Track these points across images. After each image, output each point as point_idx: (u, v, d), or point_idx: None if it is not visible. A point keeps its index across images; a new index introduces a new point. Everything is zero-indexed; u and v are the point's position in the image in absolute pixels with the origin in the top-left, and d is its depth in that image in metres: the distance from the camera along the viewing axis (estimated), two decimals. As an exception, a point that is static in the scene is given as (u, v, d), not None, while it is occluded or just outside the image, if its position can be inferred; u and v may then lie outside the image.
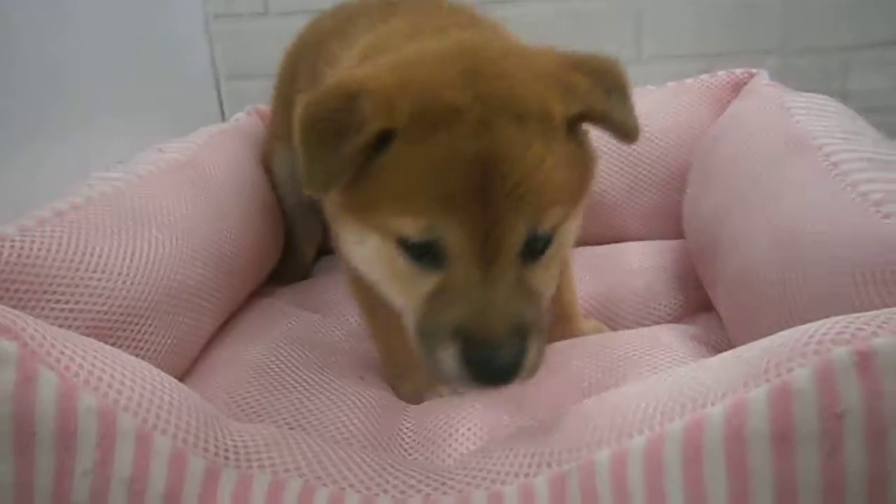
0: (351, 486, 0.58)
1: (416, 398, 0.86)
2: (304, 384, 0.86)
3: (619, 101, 0.62)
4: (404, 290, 0.62)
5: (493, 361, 0.55)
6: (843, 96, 1.35)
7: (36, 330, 0.58)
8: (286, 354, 0.92)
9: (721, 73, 1.19)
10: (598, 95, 0.61)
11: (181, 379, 0.87)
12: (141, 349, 0.79)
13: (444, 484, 0.58)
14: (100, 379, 0.58)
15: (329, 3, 1.31)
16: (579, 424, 0.57)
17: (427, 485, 0.57)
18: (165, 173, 0.96)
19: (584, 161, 0.64)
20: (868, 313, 0.49)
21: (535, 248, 0.60)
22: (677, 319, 0.97)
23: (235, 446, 0.61)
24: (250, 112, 1.33)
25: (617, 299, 1.01)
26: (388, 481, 0.58)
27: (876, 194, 0.64)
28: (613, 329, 0.96)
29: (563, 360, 0.85)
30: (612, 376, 0.76)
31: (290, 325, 1.01)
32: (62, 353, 0.58)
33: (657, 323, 0.97)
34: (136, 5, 1.29)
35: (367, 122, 0.57)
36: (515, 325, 0.56)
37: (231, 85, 1.50)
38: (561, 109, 0.60)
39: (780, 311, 0.68)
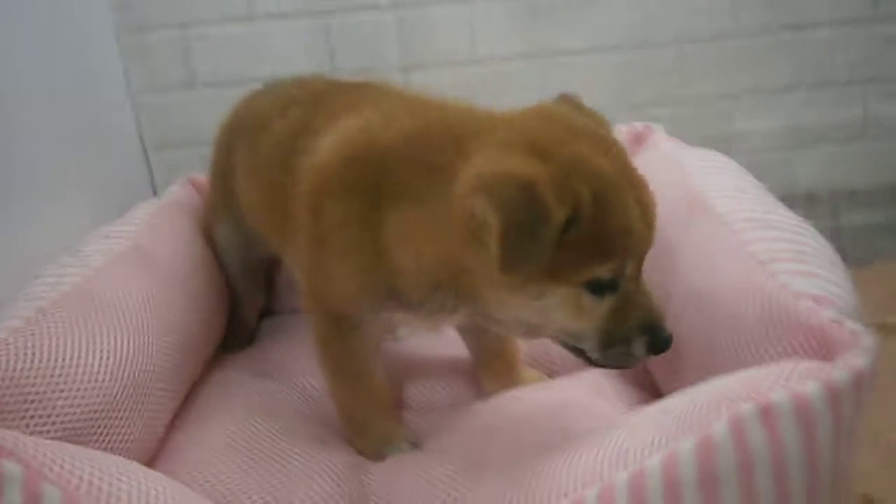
0: None
1: (377, 454, 0.93)
2: (271, 456, 0.90)
3: None
4: (586, 320, 0.75)
5: (668, 342, 0.75)
6: (728, 140, 1.52)
7: (36, 448, 0.61)
8: (249, 428, 0.95)
9: (622, 126, 1.32)
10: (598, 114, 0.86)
11: (151, 462, 0.90)
12: (114, 441, 0.82)
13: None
14: (99, 489, 0.62)
15: (256, 73, 1.38)
16: (538, 481, 0.66)
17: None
18: (116, 262, 0.99)
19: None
20: (764, 369, 0.60)
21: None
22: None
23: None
24: (184, 183, 1.35)
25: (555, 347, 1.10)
26: None
27: (762, 254, 0.76)
28: (552, 376, 1.05)
29: (511, 421, 0.93)
30: (557, 429, 0.84)
31: (247, 396, 1.05)
32: (62, 467, 0.61)
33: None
34: (59, 89, 1.29)
35: (557, 214, 0.68)
36: (665, 313, 0.77)
37: (159, 155, 1.52)
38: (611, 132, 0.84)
39: (695, 360, 0.79)
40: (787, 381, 0.57)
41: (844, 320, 0.62)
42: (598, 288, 0.73)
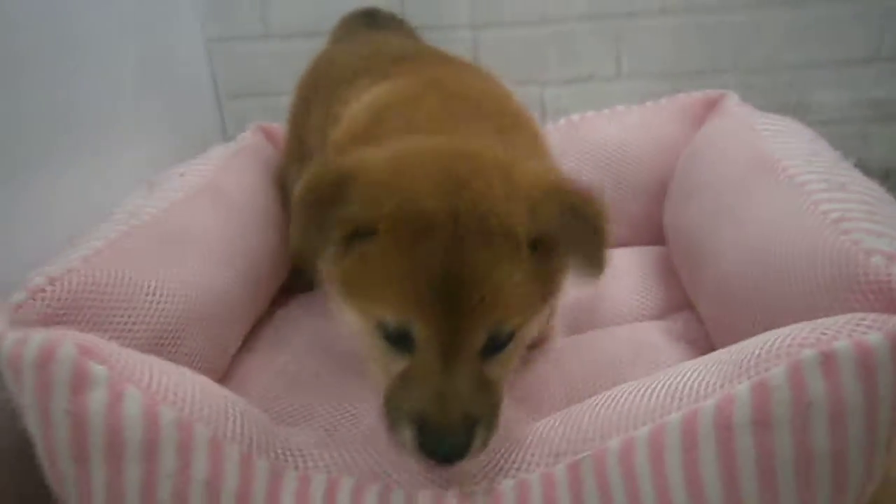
0: (397, 483, 0.66)
1: None
2: (330, 390, 0.94)
3: (586, 234, 0.66)
4: (382, 370, 0.68)
5: (442, 445, 0.62)
6: (804, 109, 1.48)
7: (119, 353, 0.66)
8: (310, 362, 1.00)
9: (696, 93, 1.30)
10: (561, 224, 0.65)
11: (223, 383, 0.95)
12: (187, 360, 0.86)
13: (475, 475, 0.67)
14: (175, 394, 0.66)
15: (328, 23, 1.40)
16: (591, 419, 0.67)
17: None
18: (192, 197, 1.04)
19: (547, 275, 0.68)
20: (829, 319, 0.59)
21: (496, 345, 0.66)
22: (659, 317, 1.08)
23: (292, 450, 0.69)
24: (255, 130, 1.40)
25: (602, 297, 1.11)
26: (426, 476, 0.67)
27: (834, 213, 0.75)
28: (598, 325, 1.06)
29: (563, 360, 0.95)
30: (609, 376, 0.86)
31: (308, 333, 1.10)
32: (142, 372, 0.66)
33: (639, 320, 1.07)
34: (138, 33, 1.34)
35: (352, 215, 0.64)
36: (465, 415, 0.62)
37: (233, 104, 1.57)
38: (524, 231, 0.65)
39: (754, 316, 0.79)
40: (852, 330, 0.57)
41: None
42: (391, 336, 0.65)
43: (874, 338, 0.55)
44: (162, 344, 0.83)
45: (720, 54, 1.48)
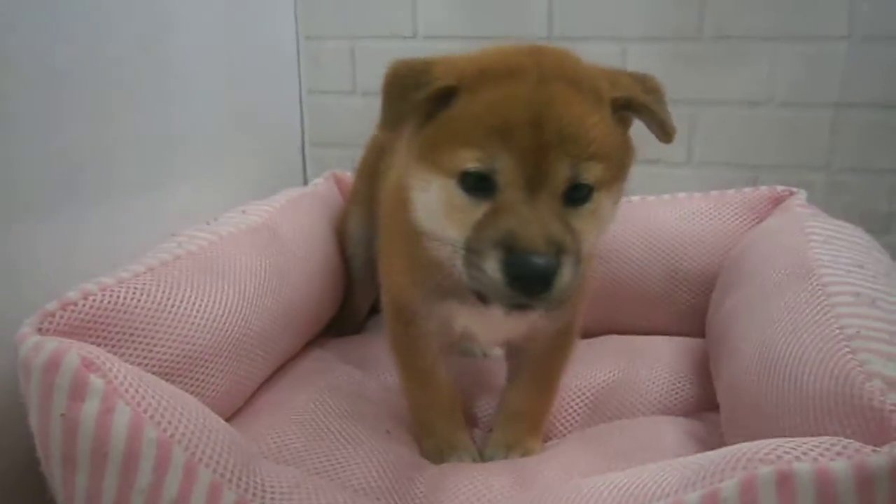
0: None
1: (437, 457, 0.95)
2: (337, 433, 0.96)
3: (657, 101, 0.74)
4: (460, 223, 0.70)
5: (529, 267, 0.62)
6: (889, 219, 1.39)
7: (119, 369, 0.71)
8: (326, 404, 1.03)
9: (763, 188, 1.26)
10: (639, 91, 0.73)
11: (234, 416, 0.99)
12: (202, 388, 0.91)
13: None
14: (162, 416, 0.70)
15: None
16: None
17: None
18: (244, 234, 1.11)
19: (625, 141, 0.75)
20: (800, 439, 0.56)
21: (577, 196, 0.69)
22: (686, 413, 1.03)
23: (263, 485, 0.72)
24: (328, 177, 1.48)
25: (633, 382, 1.08)
26: None
27: (851, 329, 0.70)
28: (617, 416, 1.03)
29: (569, 446, 0.93)
30: (602, 469, 0.83)
31: (335, 377, 1.13)
32: (136, 390, 0.71)
33: (664, 413, 1.03)
34: (241, 78, 1.46)
35: (434, 80, 0.70)
36: (552, 240, 0.64)
37: (315, 151, 1.66)
38: (608, 90, 0.72)
39: (759, 422, 0.75)
40: (820, 454, 0.53)
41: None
42: (471, 186, 0.68)
43: (838, 466, 0.52)
44: (180, 369, 0.88)
45: (811, 151, 1.42)
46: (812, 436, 0.59)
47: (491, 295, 0.67)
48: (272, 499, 0.71)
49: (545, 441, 1.03)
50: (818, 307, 0.78)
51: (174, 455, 0.68)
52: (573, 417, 1.08)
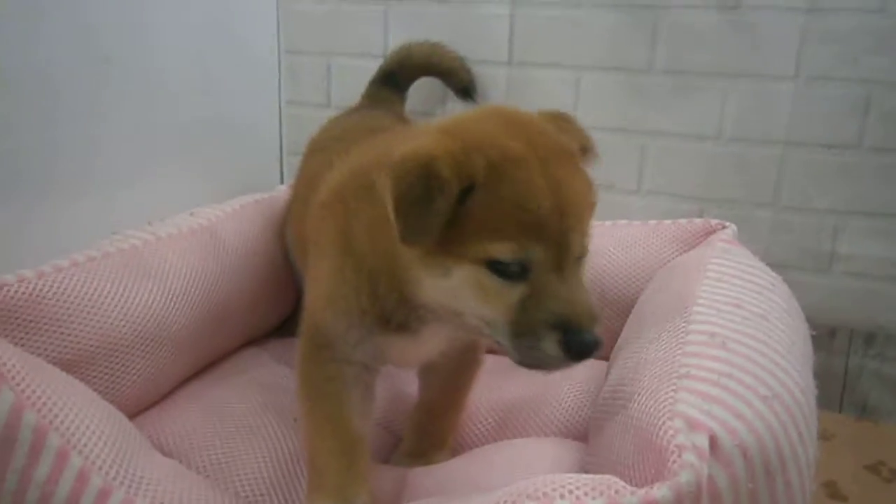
0: None
1: None
2: (241, 426, 1.02)
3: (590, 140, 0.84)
4: (493, 305, 0.74)
5: (586, 341, 0.70)
6: (831, 258, 1.40)
7: (12, 356, 0.78)
8: (244, 397, 1.10)
9: (698, 220, 1.28)
10: (584, 134, 0.83)
11: (149, 407, 1.06)
12: (114, 379, 0.98)
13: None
14: (44, 403, 0.76)
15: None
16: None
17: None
18: (184, 236, 1.18)
19: (592, 184, 0.81)
20: (578, 477, 0.59)
21: (582, 253, 0.76)
22: (582, 437, 1.06)
23: (134, 475, 0.77)
24: (290, 186, 1.54)
25: (537, 402, 1.11)
26: None
27: (684, 368, 0.73)
28: (522, 434, 1.06)
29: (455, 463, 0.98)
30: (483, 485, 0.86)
31: (262, 373, 1.19)
32: (24, 377, 0.77)
33: (564, 435, 1.06)
34: (222, 87, 1.54)
35: (450, 184, 0.70)
36: (594, 314, 0.72)
37: (292, 160, 1.73)
38: (571, 142, 0.79)
39: (598, 449, 0.78)
40: (584, 492, 0.57)
41: (687, 450, 0.60)
42: (502, 271, 0.71)
43: None
44: (91, 360, 0.95)
45: (757, 187, 1.43)
46: (631, 468, 0.63)
47: (544, 366, 0.73)
48: (137, 487, 0.77)
49: (455, 454, 1.07)
50: (673, 344, 0.81)
51: (49, 440, 0.74)
52: (483, 431, 1.11)
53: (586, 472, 0.85)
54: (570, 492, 0.57)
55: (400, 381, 1.19)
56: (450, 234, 0.72)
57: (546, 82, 1.48)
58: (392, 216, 0.70)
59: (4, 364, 0.77)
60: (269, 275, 1.33)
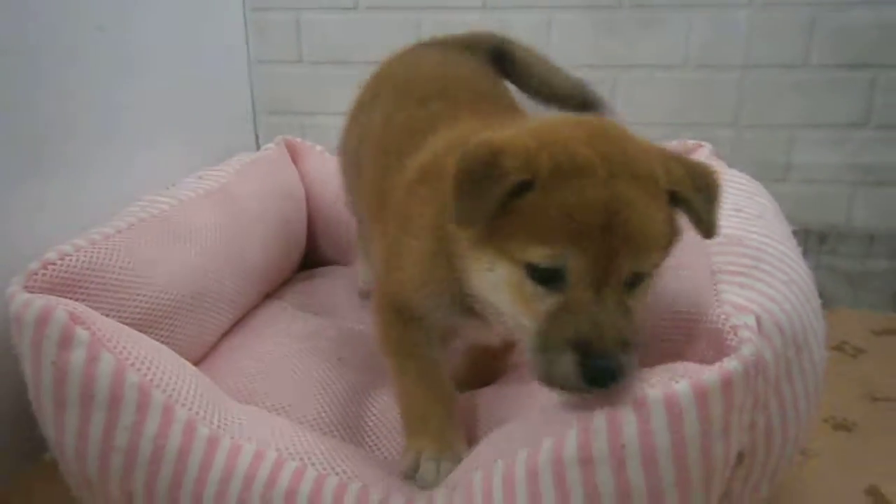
0: (312, 464, 0.80)
1: (412, 466, 0.85)
2: (292, 371, 1.09)
3: (704, 199, 0.75)
4: (527, 310, 0.72)
5: (602, 367, 0.67)
6: (787, 168, 1.56)
7: (101, 322, 0.82)
8: (283, 345, 1.16)
9: (674, 142, 1.39)
10: (688, 185, 0.74)
11: (200, 361, 1.11)
12: (170, 338, 1.03)
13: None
14: (142, 363, 0.81)
15: (352, 57, 1.56)
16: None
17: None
18: (202, 197, 1.21)
19: (675, 225, 0.76)
20: (659, 367, 0.70)
21: (634, 281, 0.72)
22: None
23: (232, 422, 0.83)
24: (279, 143, 1.57)
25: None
26: (340, 465, 0.81)
27: (716, 266, 0.85)
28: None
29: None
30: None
31: (292, 323, 1.26)
32: (118, 341, 0.82)
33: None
34: (189, 51, 1.53)
35: (509, 175, 0.69)
36: (620, 339, 0.68)
37: (266, 119, 1.75)
38: (664, 179, 0.73)
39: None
40: (668, 379, 0.66)
41: (742, 328, 0.71)
42: (540, 277, 0.70)
43: (681, 386, 0.65)
44: (150, 320, 1.00)
45: (720, 109, 1.57)
46: (680, 358, 0.74)
47: (559, 384, 0.70)
48: (240, 433, 0.81)
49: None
50: (696, 250, 0.91)
51: (154, 397, 0.80)
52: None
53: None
54: (655, 384, 0.66)
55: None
56: (502, 229, 0.71)
57: (519, 25, 1.55)
58: (449, 197, 0.71)
59: (99, 329, 0.81)
60: (280, 229, 1.38)
